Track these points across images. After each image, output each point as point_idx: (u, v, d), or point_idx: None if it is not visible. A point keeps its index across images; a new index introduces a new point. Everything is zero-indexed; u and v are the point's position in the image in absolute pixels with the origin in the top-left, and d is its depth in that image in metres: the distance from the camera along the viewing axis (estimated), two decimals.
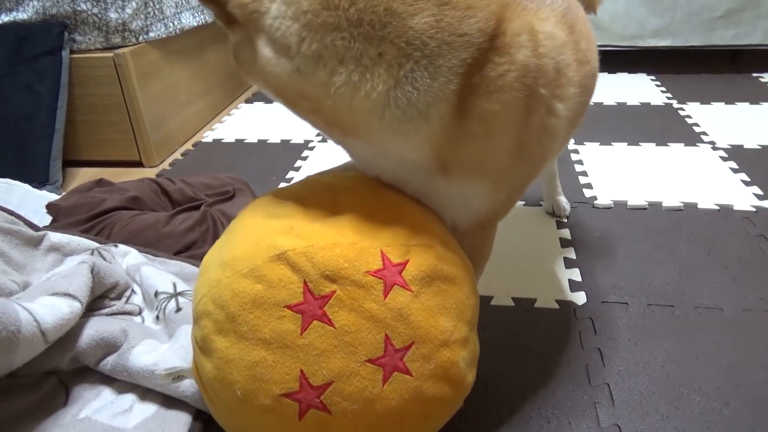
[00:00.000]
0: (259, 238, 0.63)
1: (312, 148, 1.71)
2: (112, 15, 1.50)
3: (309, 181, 0.73)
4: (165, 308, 0.91)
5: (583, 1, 0.88)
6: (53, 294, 0.80)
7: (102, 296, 0.93)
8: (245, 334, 0.59)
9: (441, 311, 0.63)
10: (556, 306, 1.00)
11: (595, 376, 0.85)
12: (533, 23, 0.59)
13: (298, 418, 0.58)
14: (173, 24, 1.68)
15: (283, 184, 1.49)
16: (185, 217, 1.20)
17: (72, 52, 1.54)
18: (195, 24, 1.79)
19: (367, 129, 0.59)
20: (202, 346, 0.65)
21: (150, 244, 1.12)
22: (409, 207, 0.67)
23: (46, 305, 0.76)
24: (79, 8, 1.49)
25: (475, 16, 0.55)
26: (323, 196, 0.67)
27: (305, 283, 0.59)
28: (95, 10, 1.49)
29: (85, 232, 1.13)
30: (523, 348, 0.92)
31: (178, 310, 0.89)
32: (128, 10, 1.51)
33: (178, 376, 0.78)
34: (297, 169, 1.58)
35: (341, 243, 0.61)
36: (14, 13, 1.52)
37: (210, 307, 0.63)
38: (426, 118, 0.57)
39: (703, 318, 0.96)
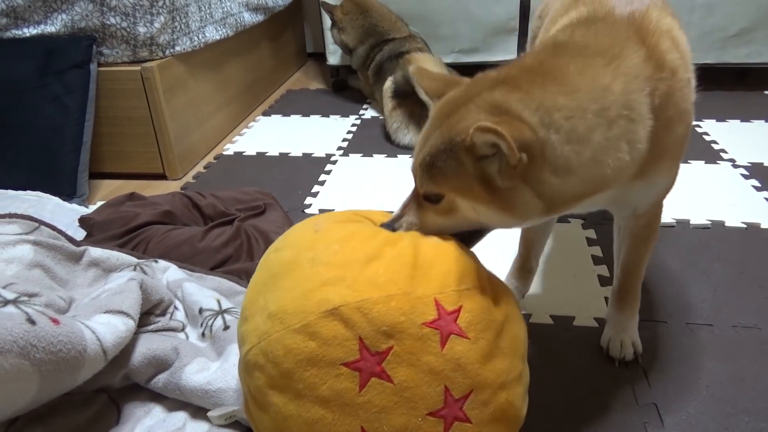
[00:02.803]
0: (308, 289, 0.61)
1: (334, 162, 1.72)
2: (141, 29, 1.51)
3: (348, 217, 0.72)
4: (211, 326, 0.92)
5: None
6: (107, 312, 0.80)
7: (147, 312, 0.93)
8: (302, 391, 0.59)
9: (497, 354, 0.63)
10: (596, 324, 1.01)
11: (642, 395, 0.86)
12: (661, 26, 0.69)
13: None
14: (198, 38, 1.70)
15: (309, 199, 1.50)
16: (219, 232, 1.21)
17: (99, 65, 1.55)
18: (218, 38, 1.81)
19: (610, 186, 0.66)
20: (256, 397, 0.64)
21: (186, 259, 1.13)
22: (452, 248, 0.66)
23: (104, 323, 0.77)
24: (107, 22, 1.50)
25: (631, 51, 0.64)
26: (367, 236, 0.66)
27: (361, 339, 0.58)
28: (124, 24, 1.50)
29: (121, 247, 1.13)
30: (567, 367, 0.92)
31: (226, 328, 0.90)
32: (156, 25, 1.52)
33: (230, 416, 0.78)
34: (322, 183, 1.59)
35: (395, 295, 0.59)
36: (43, 26, 1.53)
37: (261, 360, 0.62)
38: (644, 154, 0.66)
39: (742, 337, 0.97)
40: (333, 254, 0.63)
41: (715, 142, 1.75)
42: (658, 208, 0.84)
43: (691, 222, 1.32)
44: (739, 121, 1.91)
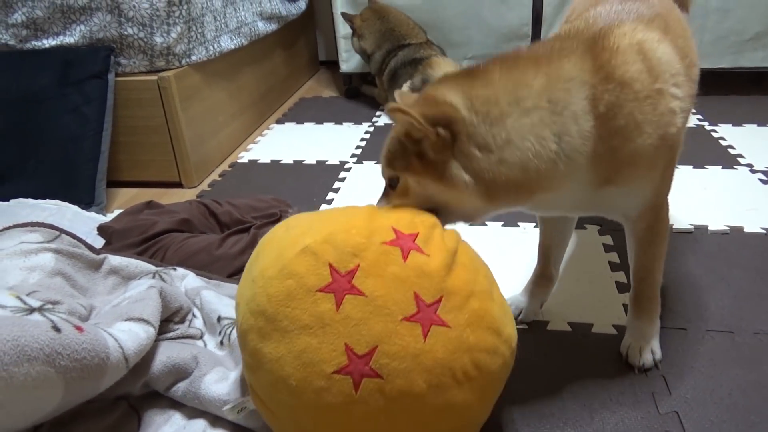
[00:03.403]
0: (282, 245, 0.68)
1: (348, 170, 1.73)
2: (158, 39, 1.53)
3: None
4: (230, 334, 0.92)
5: (677, 1, 0.97)
6: (128, 319, 0.81)
7: (167, 320, 0.94)
8: (287, 327, 0.63)
9: (457, 266, 0.68)
10: (614, 331, 1.00)
11: (663, 403, 0.85)
12: (624, 41, 0.71)
13: (354, 391, 0.61)
14: (213, 47, 1.71)
15: (323, 206, 1.50)
16: (236, 239, 1.21)
17: (117, 75, 1.57)
18: (232, 47, 1.82)
19: (551, 181, 0.72)
20: (252, 364, 0.67)
21: (203, 266, 1.14)
22: (406, 209, 0.75)
23: (125, 330, 0.77)
24: (125, 32, 1.52)
25: (570, 60, 0.70)
26: (333, 211, 0.76)
27: (330, 265, 0.64)
28: (141, 35, 1.52)
29: (139, 255, 1.14)
30: (586, 374, 0.92)
31: None
32: (173, 35, 1.54)
33: (242, 408, 0.78)
34: (336, 190, 1.60)
35: (355, 225, 0.67)
36: (62, 37, 1.55)
37: (251, 321, 0.66)
38: (583, 154, 0.71)
39: (764, 344, 0.95)
40: (305, 221, 0.72)
41: (731, 146, 1.74)
42: (658, 211, 0.84)
43: (709, 228, 1.30)
44: (756, 125, 1.89)
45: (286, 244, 0.67)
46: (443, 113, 0.69)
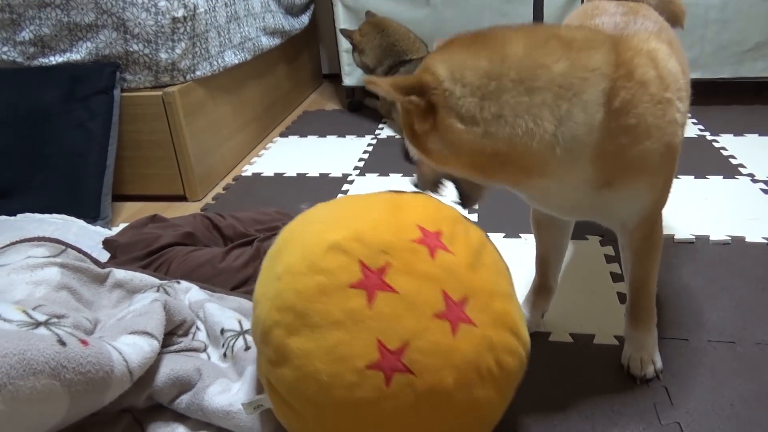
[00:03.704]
0: (307, 242, 0.68)
1: (351, 182, 1.74)
2: (163, 55, 1.55)
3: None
4: (233, 346, 0.93)
5: (669, 17, 0.99)
6: (133, 332, 0.82)
7: (170, 333, 0.94)
8: (318, 323, 0.63)
9: (480, 266, 0.69)
10: (616, 342, 1.01)
11: (665, 414, 0.85)
12: (644, 46, 0.72)
13: (386, 385, 0.61)
14: (217, 62, 1.74)
15: None
16: (239, 252, 1.22)
17: (122, 90, 1.59)
18: (236, 62, 1.85)
19: (545, 166, 0.71)
20: (275, 359, 0.67)
21: (207, 279, 1.15)
22: (425, 196, 0.78)
23: (129, 344, 0.78)
24: (131, 49, 1.54)
25: (598, 52, 0.69)
26: (350, 197, 0.76)
27: (361, 261, 0.64)
28: (146, 51, 1.54)
29: (144, 268, 1.15)
30: (587, 385, 0.92)
31: (247, 348, 0.91)
32: (177, 51, 1.56)
33: (258, 405, 0.79)
34: None
35: (382, 223, 0.68)
36: (68, 54, 1.58)
37: (276, 317, 0.66)
38: (586, 145, 0.69)
39: (766, 354, 0.95)
40: (324, 215, 0.73)
41: (733, 156, 1.74)
42: (653, 222, 0.84)
43: (710, 238, 1.31)
44: (757, 135, 1.89)
45: (311, 241, 0.68)
46: (418, 82, 0.70)
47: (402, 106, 0.74)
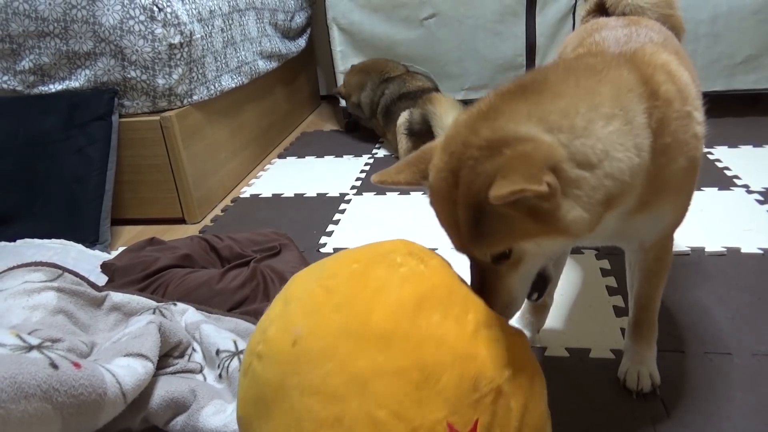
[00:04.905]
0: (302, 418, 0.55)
1: (348, 201, 1.75)
2: (160, 81, 1.58)
3: (344, 281, 0.62)
4: (228, 367, 0.93)
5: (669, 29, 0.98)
6: (127, 355, 0.82)
7: (166, 355, 0.95)
8: None
9: None
10: (612, 356, 1.00)
11: (662, 428, 0.85)
12: (656, 60, 0.70)
13: None
14: (214, 87, 1.76)
15: (324, 238, 1.52)
16: (236, 273, 1.23)
17: (120, 116, 1.61)
18: (233, 86, 1.87)
19: (626, 198, 0.66)
20: None
21: (204, 301, 1.15)
22: (467, 340, 0.58)
23: (124, 366, 0.78)
24: (128, 75, 1.57)
25: (623, 71, 0.66)
26: (356, 335, 0.56)
27: None
28: (144, 77, 1.57)
29: (141, 291, 1.16)
30: (584, 399, 0.92)
31: None
32: (175, 76, 1.59)
33: None
34: (336, 222, 1.62)
35: (397, 411, 0.52)
36: (67, 82, 1.61)
37: None
38: (644, 170, 0.66)
39: (763, 366, 0.95)
40: (321, 379, 0.55)
41: (727, 168, 1.75)
42: (667, 241, 0.84)
43: (706, 249, 1.31)
44: (751, 146, 1.90)
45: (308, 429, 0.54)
46: (537, 156, 0.56)
47: (521, 203, 0.56)
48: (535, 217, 0.58)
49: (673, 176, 0.70)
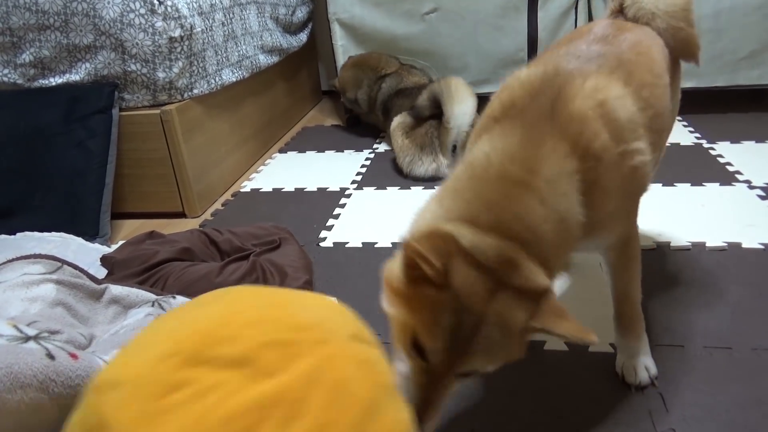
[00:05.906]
0: None
1: (348, 195, 1.75)
2: (160, 75, 1.57)
3: None
4: None
5: (682, 53, 0.98)
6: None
7: None
8: None
9: None
10: (611, 350, 1.00)
11: (660, 421, 0.85)
12: (588, 102, 0.72)
13: None
14: (215, 80, 1.76)
15: (324, 232, 1.52)
16: (235, 267, 1.23)
17: (121, 109, 1.61)
18: (234, 80, 1.87)
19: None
20: None
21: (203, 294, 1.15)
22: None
23: None
24: (129, 69, 1.57)
25: (551, 154, 0.69)
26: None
27: None
28: (144, 71, 1.57)
29: (140, 284, 1.16)
30: (582, 393, 0.91)
31: None
32: (175, 70, 1.58)
33: None
34: (336, 216, 1.62)
35: None
36: (68, 75, 1.61)
37: None
38: (579, 223, 0.71)
39: (762, 360, 0.95)
40: None
41: (729, 163, 1.74)
42: (626, 240, 0.87)
43: (707, 244, 1.30)
44: (753, 142, 1.89)
45: None
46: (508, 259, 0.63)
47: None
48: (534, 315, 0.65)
49: (609, 215, 0.76)
